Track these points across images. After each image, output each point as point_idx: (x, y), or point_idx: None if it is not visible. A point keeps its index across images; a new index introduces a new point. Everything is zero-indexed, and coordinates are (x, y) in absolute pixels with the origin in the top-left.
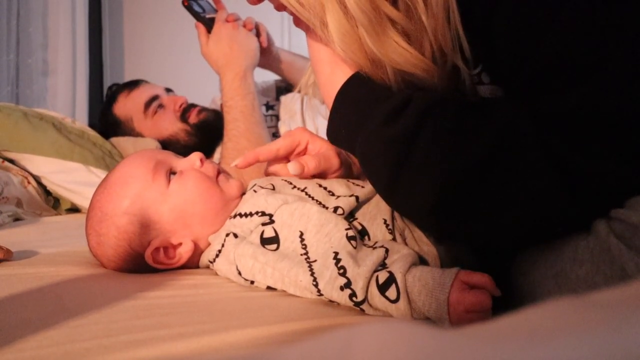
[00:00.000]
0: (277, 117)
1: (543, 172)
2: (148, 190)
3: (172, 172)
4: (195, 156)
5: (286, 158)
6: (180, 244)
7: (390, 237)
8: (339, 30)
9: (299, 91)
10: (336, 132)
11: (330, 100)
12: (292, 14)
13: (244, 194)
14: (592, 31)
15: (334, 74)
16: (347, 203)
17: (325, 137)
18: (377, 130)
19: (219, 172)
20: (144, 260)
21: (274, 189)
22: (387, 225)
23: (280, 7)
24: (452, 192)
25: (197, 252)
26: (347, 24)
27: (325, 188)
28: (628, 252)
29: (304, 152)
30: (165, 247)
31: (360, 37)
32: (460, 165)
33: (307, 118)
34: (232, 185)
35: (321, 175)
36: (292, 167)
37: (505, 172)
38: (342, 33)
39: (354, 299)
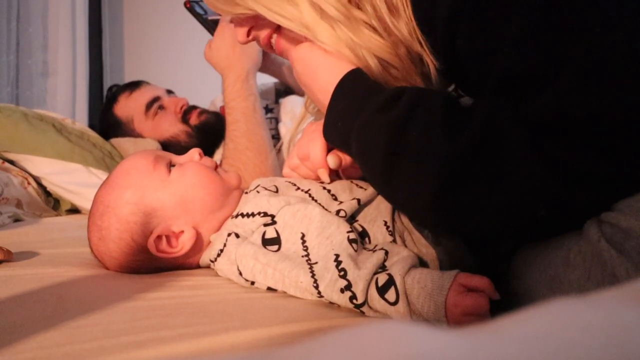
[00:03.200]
0: (277, 120)
1: (526, 157)
2: (149, 179)
3: (172, 165)
4: (194, 151)
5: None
6: (182, 231)
7: (390, 238)
8: (320, 28)
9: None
10: (332, 126)
11: (327, 102)
12: (274, 48)
13: (245, 192)
14: (541, 41)
15: (332, 75)
16: (349, 206)
17: None
18: (372, 117)
19: (216, 166)
20: (146, 255)
21: (277, 190)
22: (387, 227)
23: (266, 47)
24: (443, 177)
25: (199, 245)
26: (326, 23)
27: (329, 191)
28: (618, 257)
29: None
30: (168, 236)
31: (338, 32)
32: (449, 150)
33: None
34: (231, 175)
35: (353, 168)
36: (331, 159)
37: (492, 156)
38: (323, 30)
39: (354, 301)
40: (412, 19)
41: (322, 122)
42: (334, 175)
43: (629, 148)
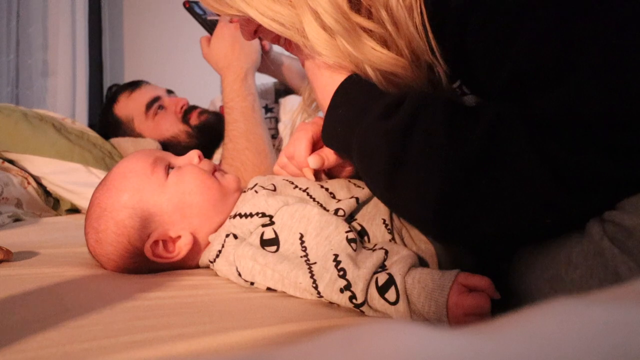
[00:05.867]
0: (276, 119)
1: (533, 164)
2: (147, 183)
3: (170, 167)
4: (194, 153)
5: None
6: (179, 237)
7: (389, 236)
8: (319, 39)
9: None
10: (332, 130)
11: (327, 103)
12: (280, 42)
13: (244, 191)
14: (556, 39)
15: (332, 78)
16: (347, 205)
17: None
18: (374, 123)
19: (215, 169)
20: (144, 257)
21: (275, 189)
22: (386, 225)
23: (274, 40)
24: (448, 184)
25: (197, 248)
26: (325, 34)
27: (327, 189)
28: (621, 256)
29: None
30: (165, 241)
31: (339, 44)
32: (454, 157)
33: None
34: (229, 179)
35: (340, 167)
36: (312, 160)
37: (498, 163)
38: (323, 42)
39: (354, 301)
40: (424, 12)
41: (311, 121)
42: (322, 174)
43: (638, 149)
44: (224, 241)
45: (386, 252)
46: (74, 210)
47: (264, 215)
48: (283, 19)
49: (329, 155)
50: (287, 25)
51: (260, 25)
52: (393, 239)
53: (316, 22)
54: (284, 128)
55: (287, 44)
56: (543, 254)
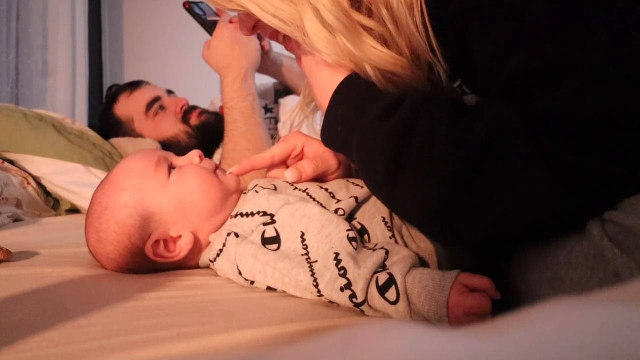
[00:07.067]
0: (276, 120)
1: (533, 164)
2: (148, 183)
3: (172, 167)
4: (195, 153)
5: (284, 163)
6: (180, 236)
7: (389, 234)
8: (320, 37)
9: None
10: (332, 131)
11: (327, 102)
12: (280, 40)
13: (244, 192)
14: (557, 39)
15: (331, 77)
16: (347, 204)
17: None
18: (374, 124)
19: (216, 167)
20: (144, 257)
21: (275, 189)
22: (386, 223)
23: (272, 36)
24: (448, 184)
25: (197, 248)
26: (326, 31)
27: (326, 190)
28: (621, 256)
29: (300, 155)
30: (166, 241)
31: (339, 42)
32: (455, 157)
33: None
34: (230, 179)
35: (321, 177)
36: (289, 174)
37: (498, 163)
38: (323, 39)
39: (354, 300)
40: (424, 10)
41: (295, 133)
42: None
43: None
44: (226, 240)
45: (387, 252)
46: (74, 210)
47: (265, 214)
48: (284, 15)
49: (306, 168)
50: (287, 22)
51: (259, 20)
52: (393, 236)
53: (317, 19)
54: (285, 131)
55: (286, 41)
56: (543, 255)
